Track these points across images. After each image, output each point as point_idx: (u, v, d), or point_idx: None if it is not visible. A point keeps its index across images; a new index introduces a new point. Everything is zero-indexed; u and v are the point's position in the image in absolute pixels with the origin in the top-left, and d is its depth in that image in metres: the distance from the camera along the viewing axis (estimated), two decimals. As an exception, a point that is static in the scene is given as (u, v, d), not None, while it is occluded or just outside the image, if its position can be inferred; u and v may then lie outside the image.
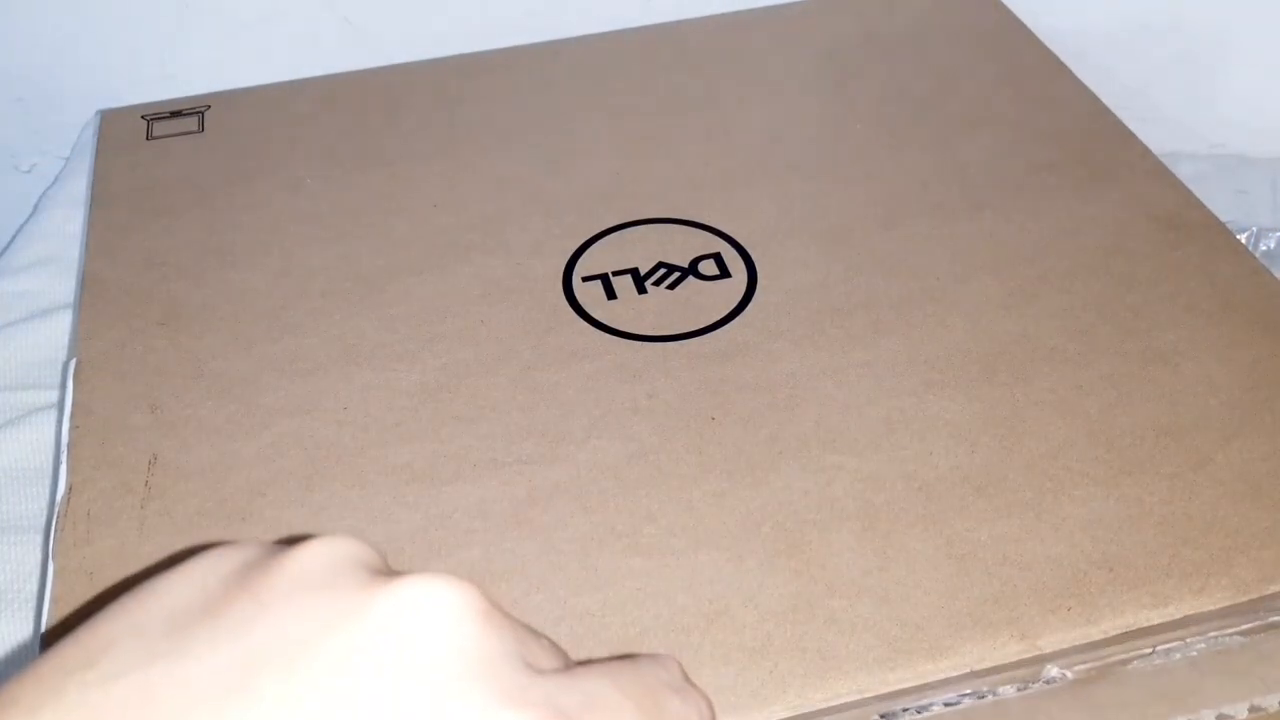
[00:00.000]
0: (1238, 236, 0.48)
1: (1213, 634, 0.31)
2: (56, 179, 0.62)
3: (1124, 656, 0.31)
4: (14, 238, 0.59)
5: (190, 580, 0.21)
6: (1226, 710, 0.28)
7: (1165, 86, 0.65)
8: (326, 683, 0.19)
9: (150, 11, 0.62)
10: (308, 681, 0.18)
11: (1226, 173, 0.65)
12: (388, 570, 0.21)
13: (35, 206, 0.60)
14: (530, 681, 0.20)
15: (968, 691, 0.30)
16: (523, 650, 0.21)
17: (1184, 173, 0.50)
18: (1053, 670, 0.29)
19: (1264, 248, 0.58)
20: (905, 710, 0.29)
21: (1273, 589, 0.34)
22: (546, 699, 0.20)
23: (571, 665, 0.22)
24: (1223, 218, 0.48)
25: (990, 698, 0.30)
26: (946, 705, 0.30)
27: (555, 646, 0.22)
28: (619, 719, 0.21)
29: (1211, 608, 0.33)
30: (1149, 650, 0.31)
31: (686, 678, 0.24)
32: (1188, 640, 0.31)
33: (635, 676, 0.22)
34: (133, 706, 0.18)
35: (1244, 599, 0.33)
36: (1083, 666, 0.31)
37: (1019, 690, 0.30)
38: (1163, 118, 0.55)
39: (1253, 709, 0.28)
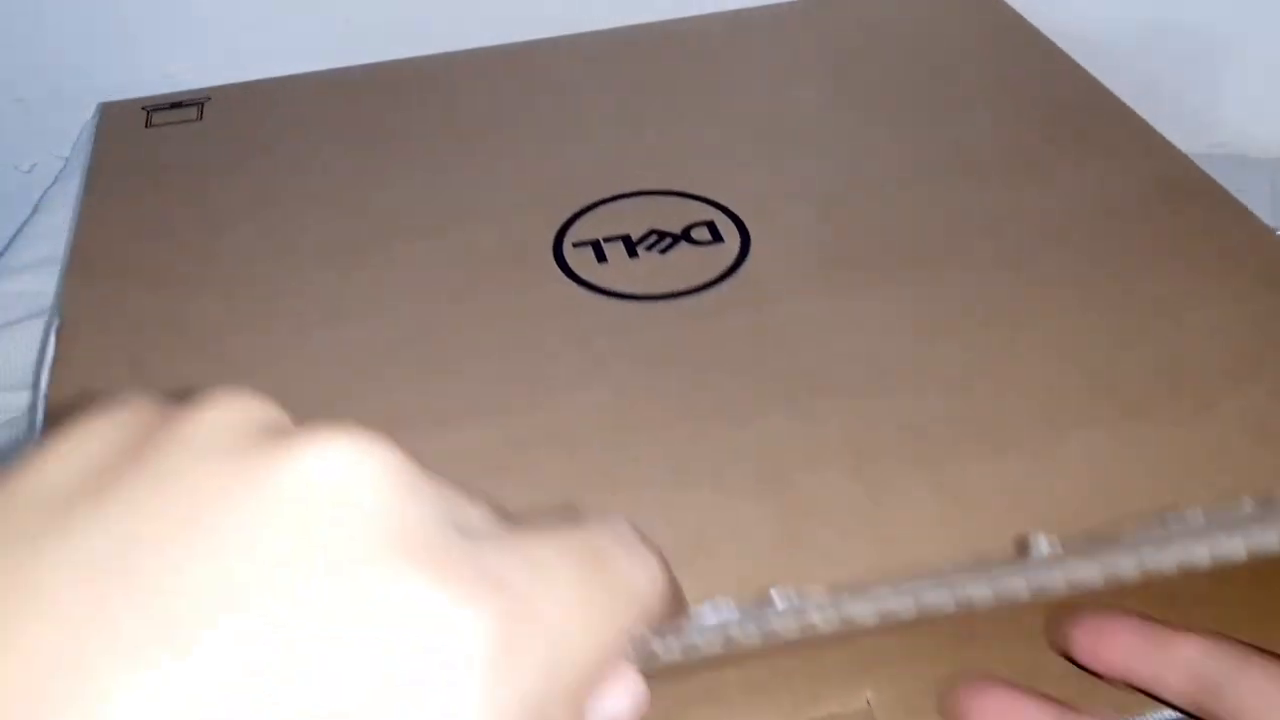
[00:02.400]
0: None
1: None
2: (57, 179, 0.62)
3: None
4: (14, 238, 0.59)
5: (76, 449, 0.19)
6: (1223, 551, 0.27)
7: (1165, 86, 0.64)
8: (222, 565, 0.17)
9: (150, 11, 0.63)
10: (202, 565, 0.17)
11: (1226, 173, 0.64)
12: (291, 427, 0.19)
13: (35, 206, 0.60)
14: (459, 549, 0.18)
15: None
16: (450, 513, 0.19)
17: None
18: (1042, 544, 0.28)
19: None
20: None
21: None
22: (476, 566, 0.18)
23: (511, 525, 0.20)
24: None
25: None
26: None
27: (491, 507, 0.20)
28: (560, 580, 0.19)
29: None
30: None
31: (637, 536, 0.22)
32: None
33: (579, 535, 0.20)
34: (5, 589, 0.16)
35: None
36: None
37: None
38: (1163, 117, 0.54)
39: (1251, 552, 0.27)
